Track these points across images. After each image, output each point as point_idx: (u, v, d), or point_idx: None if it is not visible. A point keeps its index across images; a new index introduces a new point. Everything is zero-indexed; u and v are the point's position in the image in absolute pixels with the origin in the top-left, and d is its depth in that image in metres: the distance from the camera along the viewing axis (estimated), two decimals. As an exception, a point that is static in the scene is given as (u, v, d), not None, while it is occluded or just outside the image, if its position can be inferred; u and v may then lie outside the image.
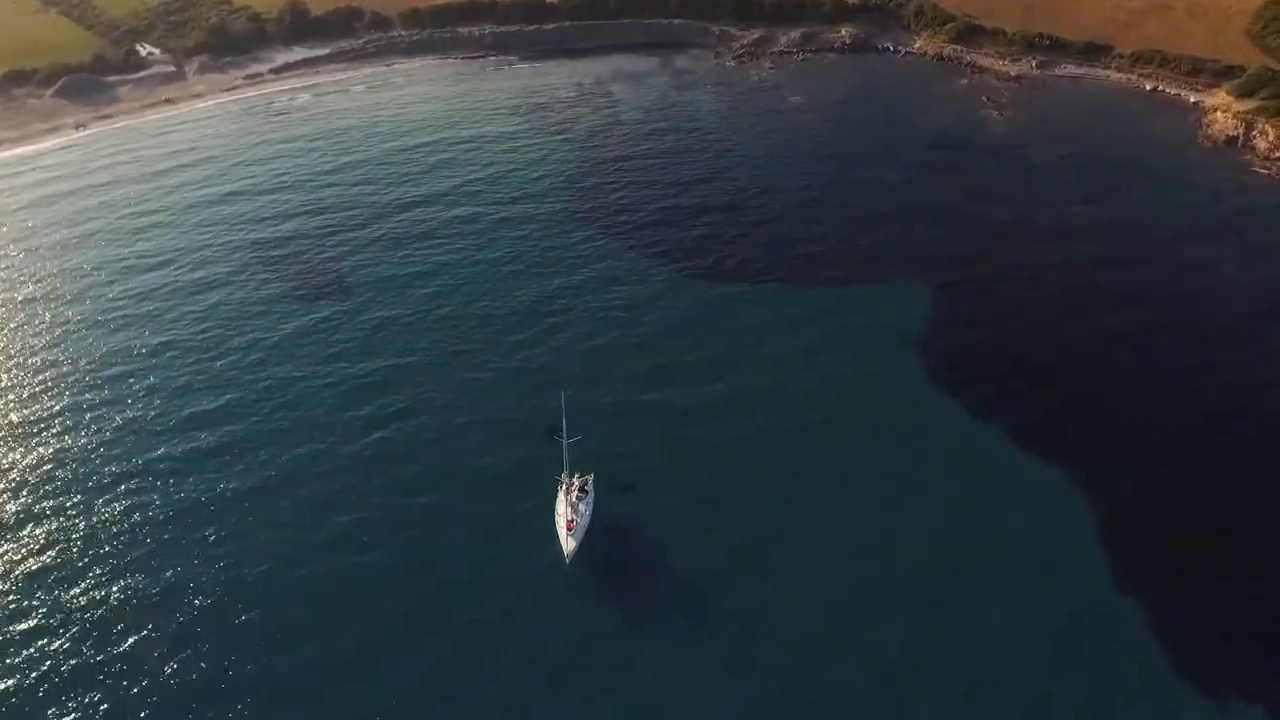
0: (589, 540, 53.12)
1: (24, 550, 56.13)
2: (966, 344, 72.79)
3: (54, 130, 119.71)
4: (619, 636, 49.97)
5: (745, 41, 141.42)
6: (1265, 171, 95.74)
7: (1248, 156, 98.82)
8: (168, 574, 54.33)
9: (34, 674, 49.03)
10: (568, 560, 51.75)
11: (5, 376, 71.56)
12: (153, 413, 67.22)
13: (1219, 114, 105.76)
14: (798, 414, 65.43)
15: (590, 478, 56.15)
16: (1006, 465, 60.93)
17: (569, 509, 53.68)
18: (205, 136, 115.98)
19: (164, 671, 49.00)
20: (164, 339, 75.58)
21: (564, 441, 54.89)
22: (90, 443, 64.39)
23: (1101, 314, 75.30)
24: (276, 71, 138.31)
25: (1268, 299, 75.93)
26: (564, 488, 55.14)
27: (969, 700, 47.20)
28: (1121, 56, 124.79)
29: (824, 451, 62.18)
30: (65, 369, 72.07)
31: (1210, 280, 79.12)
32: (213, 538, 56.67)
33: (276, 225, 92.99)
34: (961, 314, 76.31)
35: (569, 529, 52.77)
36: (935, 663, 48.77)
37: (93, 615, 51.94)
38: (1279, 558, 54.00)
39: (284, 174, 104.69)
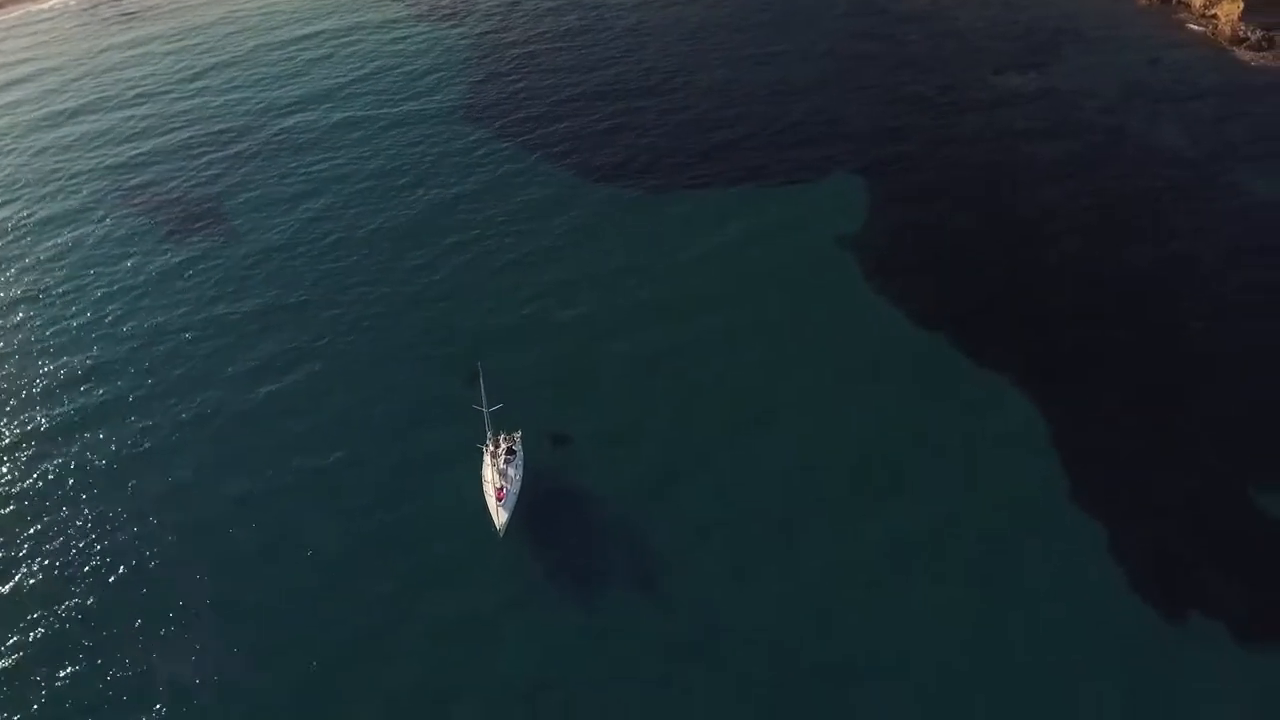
0: (523, 505, 47.32)
1: None
2: (896, 228, 67.39)
3: None
4: (565, 608, 44.46)
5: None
6: (1200, 29, 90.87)
7: (1181, 15, 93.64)
8: (31, 567, 47.23)
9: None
10: (500, 532, 45.83)
11: None
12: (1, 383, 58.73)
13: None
14: (728, 319, 59.82)
15: (518, 435, 49.80)
16: (943, 360, 56.26)
17: (497, 475, 47.48)
18: (42, 44, 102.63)
19: (39, 677, 42.81)
20: (8, 293, 66.11)
21: (485, 411, 48.53)
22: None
23: (1035, 189, 70.37)
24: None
25: (1207, 170, 71.79)
26: (489, 452, 48.89)
27: (915, 617, 43.72)
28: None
29: (757, 355, 56.98)
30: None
31: (1148, 150, 74.25)
32: (83, 523, 49.27)
33: (134, 146, 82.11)
34: (890, 195, 70.59)
35: (499, 498, 46.63)
36: (873, 566, 45.62)
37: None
38: (1221, 439, 50.74)
39: (138, 85, 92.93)
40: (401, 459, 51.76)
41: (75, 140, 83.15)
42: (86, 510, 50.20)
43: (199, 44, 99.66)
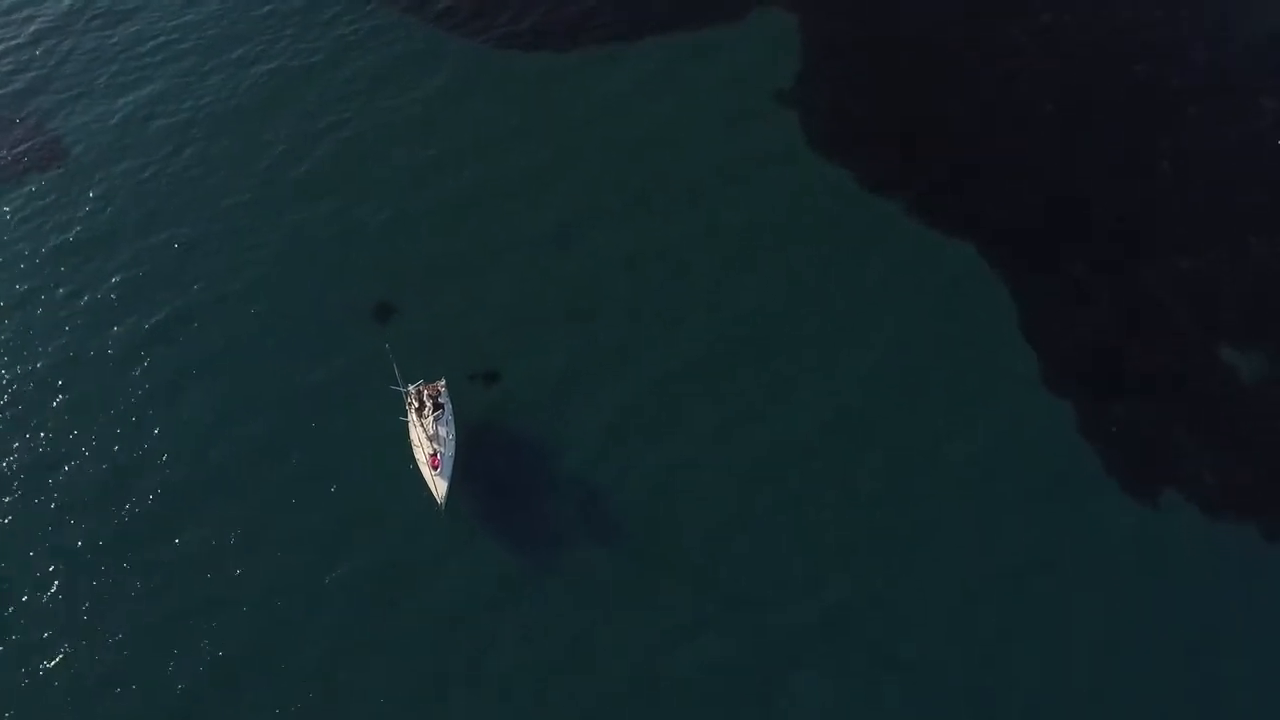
0: (461, 469, 42.94)
1: None
2: (840, 82, 60.82)
3: None
4: (526, 586, 41.13)
5: None
6: None
7: None
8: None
9: None
10: (441, 505, 41.48)
11: None
12: None
13: None
14: (668, 216, 53.99)
15: (442, 385, 44.68)
16: (896, 228, 52.48)
17: (426, 438, 42.75)
18: None
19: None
20: None
21: (402, 390, 43.60)
22: None
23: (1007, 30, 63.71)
24: None
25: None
26: (412, 407, 43.90)
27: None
28: None
29: (704, 255, 51.85)
30: None
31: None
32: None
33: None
34: (831, 45, 63.18)
35: (434, 465, 42.07)
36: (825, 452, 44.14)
37: None
38: (1192, 298, 48.80)
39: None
40: (317, 440, 45.74)
41: None
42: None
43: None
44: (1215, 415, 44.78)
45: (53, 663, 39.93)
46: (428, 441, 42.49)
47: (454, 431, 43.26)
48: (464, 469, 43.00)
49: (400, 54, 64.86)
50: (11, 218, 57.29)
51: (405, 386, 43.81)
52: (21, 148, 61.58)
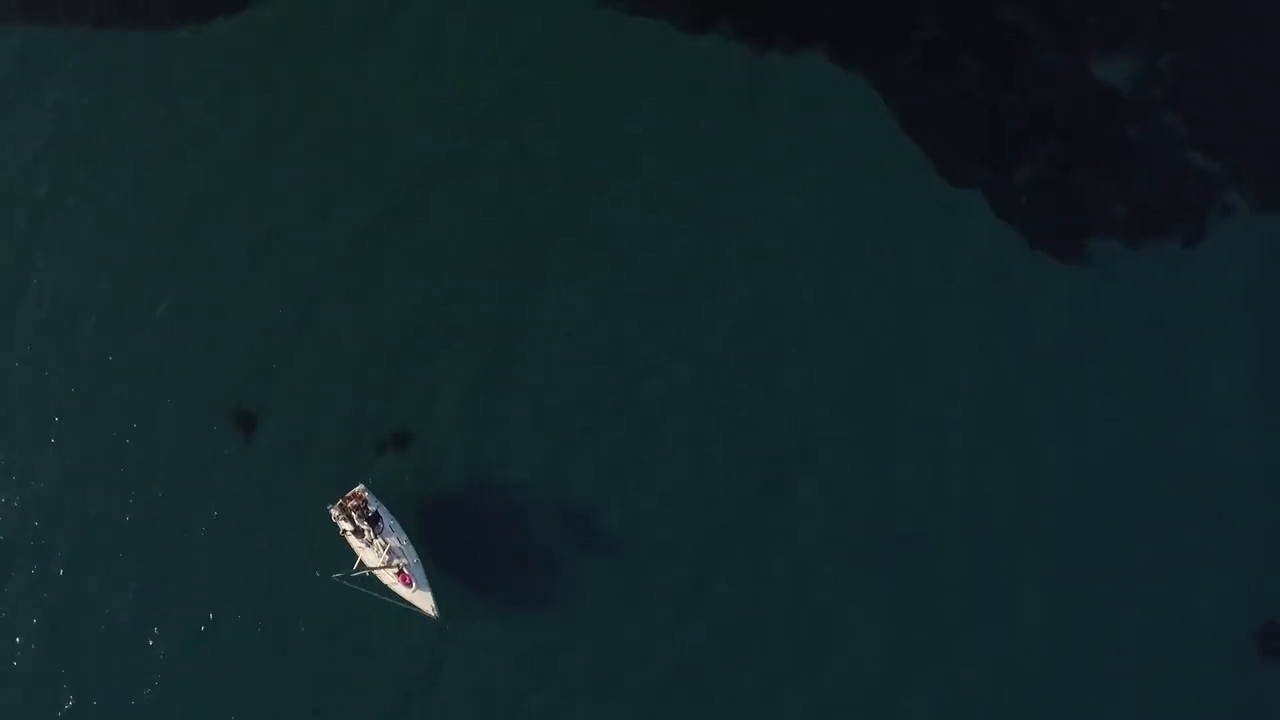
0: (430, 569, 38.16)
1: None
2: None
3: None
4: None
5: None
6: None
7: None
8: None
9: None
10: (434, 612, 37.30)
11: None
12: None
13: None
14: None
15: (361, 489, 38.38)
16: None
17: (380, 555, 37.56)
18: None
19: None
20: None
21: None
22: None
23: None
24: None
25: None
26: (349, 529, 38.14)
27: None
28: None
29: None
30: None
31: None
32: None
33: None
34: None
35: (406, 583, 37.46)
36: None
37: None
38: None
39: None
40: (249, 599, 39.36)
41: None
42: None
43: None
44: (1106, 141, 43.49)
45: None
46: (383, 556, 37.64)
47: (405, 534, 38.33)
48: (433, 561, 38.65)
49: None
50: None
51: (329, 508, 38.28)
52: None
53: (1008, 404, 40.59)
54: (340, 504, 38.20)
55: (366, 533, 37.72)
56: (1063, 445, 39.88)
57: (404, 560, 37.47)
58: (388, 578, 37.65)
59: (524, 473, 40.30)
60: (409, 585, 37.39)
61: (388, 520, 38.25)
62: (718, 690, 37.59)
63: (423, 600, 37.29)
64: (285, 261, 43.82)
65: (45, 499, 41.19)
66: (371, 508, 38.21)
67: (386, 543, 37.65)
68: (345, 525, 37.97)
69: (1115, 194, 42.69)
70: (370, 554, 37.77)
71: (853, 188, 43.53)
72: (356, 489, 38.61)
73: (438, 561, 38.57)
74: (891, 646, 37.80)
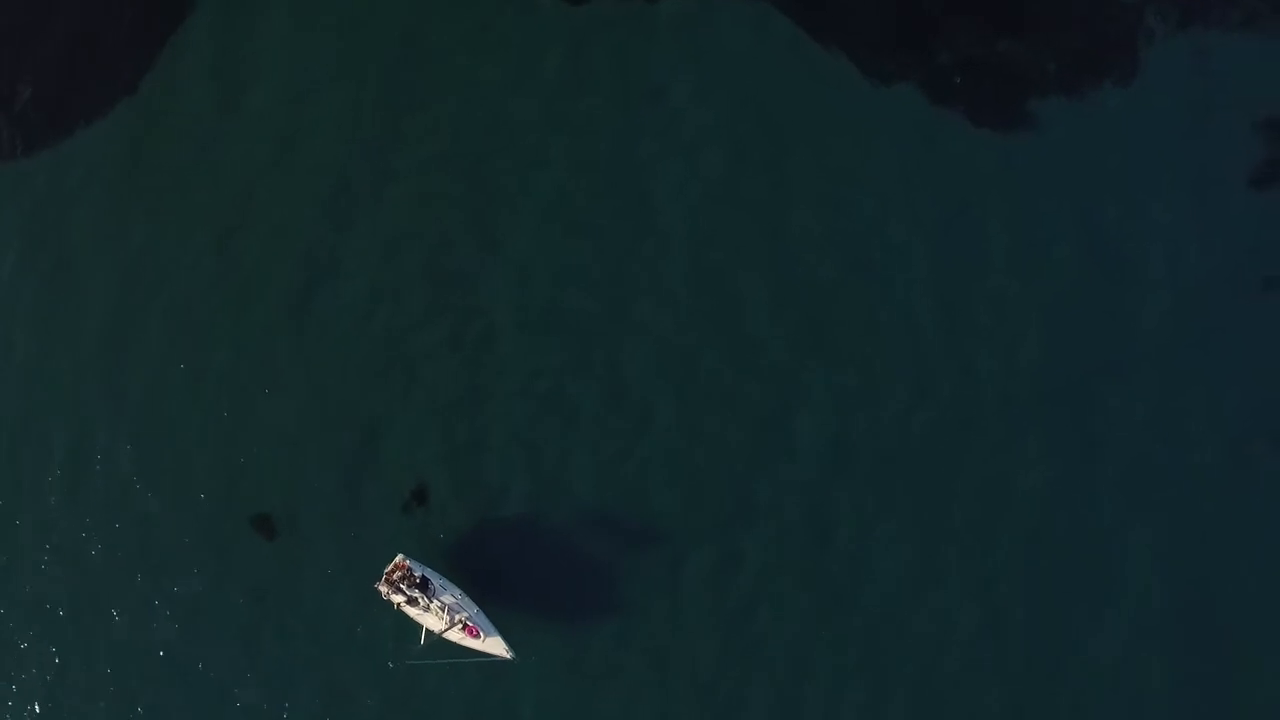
0: (491, 613, 38.41)
1: None
2: None
3: None
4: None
5: None
6: None
7: None
8: None
9: None
10: (509, 654, 37.79)
11: None
12: None
13: None
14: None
15: (400, 558, 38.08)
16: None
17: (443, 617, 37.93)
18: None
19: None
20: None
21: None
22: None
23: None
24: None
25: None
26: (401, 600, 37.92)
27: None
28: None
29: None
30: None
31: None
32: None
33: None
34: None
35: (472, 634, 37.81)
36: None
37: None
38: None
39: None
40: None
41: None
42: None
43: None
44: (1023, 2, 42.73)
45: None
46: (443, 617, 37.81)
47: (456, 588, 38.46)
48: (495, 608, 38.88)
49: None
50: None
51: (376, 586, 38.18)
52: None
53: (972, 285, 41.07)
54: (386, 579, 38.07)
55: (420, 599, 37.79)
56: (1040, 323, 40.55)
57: (465, 614, 37.75)
58: (455, 635, 37.93)
59: (536, 489, 40.48)
60: (477, 636, 37.75)
61: (436, 580, 38.30)
62: (773, 650, 38.93)
63: (495, 646, 37.74)
64: (216, 367, 42.50)
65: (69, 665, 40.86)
66: (417, 573, 38.16)
67: (443, 603, 37.82)
68: (397, 598, 37.96)
69: (1043, 52, 42.11)
70: (431, 618, 37.94)
71: (775, 105, 42.62)
72: (396, 559, 38.41)
73: (493, 603, 38.88)
74: (922, 556, 39.20)
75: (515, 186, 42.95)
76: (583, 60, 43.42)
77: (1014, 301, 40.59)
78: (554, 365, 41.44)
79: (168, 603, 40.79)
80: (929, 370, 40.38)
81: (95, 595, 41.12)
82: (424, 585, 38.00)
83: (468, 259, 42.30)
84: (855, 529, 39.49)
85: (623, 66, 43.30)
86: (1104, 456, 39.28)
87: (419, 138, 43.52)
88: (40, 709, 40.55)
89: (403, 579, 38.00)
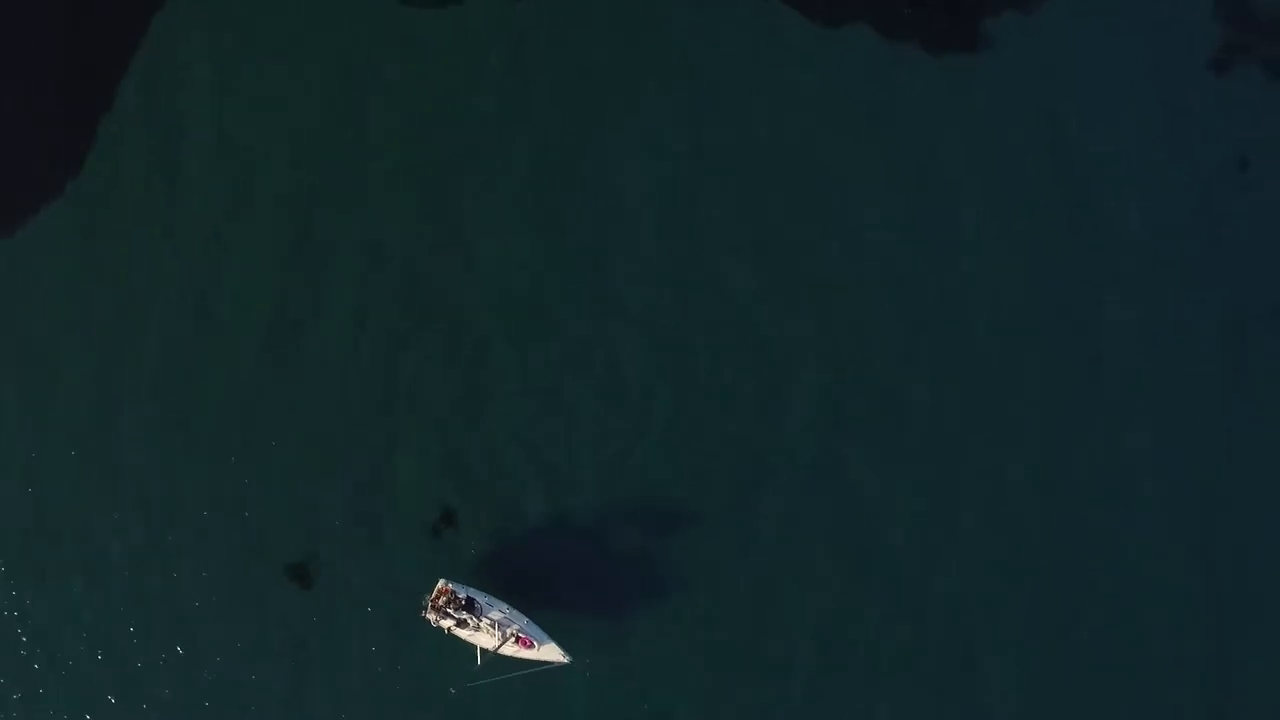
0: (539, 618, 38.77)
1: None
2: None
3: None
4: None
5: None
6: None
7: None
8: None
9: None
10: (566, 659, 38.04)
11: None
12: None
13: None
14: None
15: (442, 583, 37.94)
16: None
17: (495, 633, 37.88)
18: None
19: None
20: None
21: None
22: None
23: None
24: None
25: None
26: (451, 624, 37.84)
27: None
28: None
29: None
30: None
31: None
32: None
33: None
34: None
35: (526, 645, 37.79)
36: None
37: None
38: None
39: None
40: None
41: None
42: None
43: None
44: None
45: None
46: (498, 632, 37.83)
47: (502, 602, 38.41)
48: (540, 614, 38.90)
49: None
50: None
51: (423, 615, 38.05)
52: None
53: (949, 221, 41.56)
54: (431, 605, 37.91)
55: (469, 619, 37.71)
56: (1024, 247, 41.21)
57: (516, 626, 37.78)
58: (509, 649, 37.98)
59: (553, 491, 40.67)
60: (531, 647, 37.83)
61: (481, 599, 38.22)
62: (805, 614, 39.75)
63: (551, 653, 37.88)
64: (211, 428, 41.68)
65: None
66: (461, 595, 38.04)
67: (492, 619, 37.79)
68: (446, 622, 37.86)
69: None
70: (484, 637, 37.91)
71: (726, 69, 42.51)
72: (439, 584, 38.23)
73: (541, 609, 38.94)
74: (935, 496, 40.28)
75: (480, 187, 42.34)
76: (526, 51, 42.70)
77: (993, 230, 41.04)
78: (549, 363, 41.38)
79: (207, 667, 40.33)
80: (919, 319, 40.95)
81: (137, 678, 40.38)
82: (470, 605, 37.90)
83: (444, 272, 41.78)
84: (868, 484, 40.27)
85: (564, 52, 42.64)
86: (1104, 372, 40.18)
87: (372, 158, 42.77)
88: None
89: (449, 603, 37.85)
